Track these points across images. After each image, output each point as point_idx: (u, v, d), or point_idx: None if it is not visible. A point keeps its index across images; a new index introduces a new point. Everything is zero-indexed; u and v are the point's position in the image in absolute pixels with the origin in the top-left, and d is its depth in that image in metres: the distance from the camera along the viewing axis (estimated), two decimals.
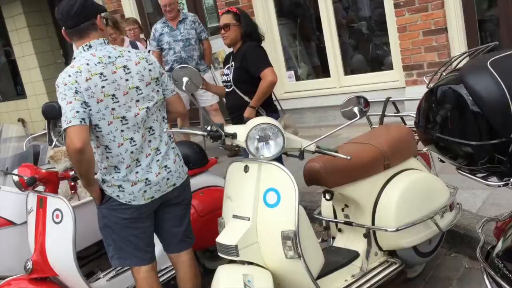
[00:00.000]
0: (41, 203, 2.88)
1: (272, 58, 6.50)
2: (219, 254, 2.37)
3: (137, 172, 2.53)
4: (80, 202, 3.42)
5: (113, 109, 2.45)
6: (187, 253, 2.79)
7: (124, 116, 2.48)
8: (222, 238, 2.33)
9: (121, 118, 2.47)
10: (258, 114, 3.60)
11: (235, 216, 2.38)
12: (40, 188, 2.96)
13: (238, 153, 5.86)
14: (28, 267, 2.80)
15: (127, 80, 2.49)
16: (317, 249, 2.39)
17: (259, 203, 2.32)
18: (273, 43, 6.65)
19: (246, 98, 3.60)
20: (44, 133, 5.20)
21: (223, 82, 3.86)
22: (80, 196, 3.70)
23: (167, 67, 5.61)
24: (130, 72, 2.51)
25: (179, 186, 2.68)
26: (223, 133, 2.39)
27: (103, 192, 2.59)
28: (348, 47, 6.77)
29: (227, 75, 3.77)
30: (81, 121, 2.32)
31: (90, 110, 2.39)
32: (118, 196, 2.55)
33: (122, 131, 2.48)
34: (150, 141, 2.57)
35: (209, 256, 3.64)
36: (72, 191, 3.70)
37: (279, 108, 3.95)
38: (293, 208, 2.24)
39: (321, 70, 6.84)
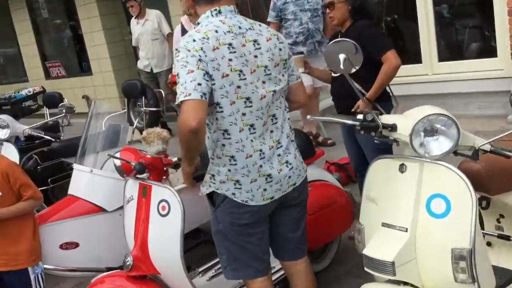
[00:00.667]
0: (144, 192, 2.56)
1: None
2: (366, 269, 1.97)
3: (260, 166, 2.16)
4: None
5: (239, 87, 2.08)
6: (303, 261, 2.42)
7: (249, 97, 2.11)
8: (373, 251, 1.93)
9: (245, 99, 2.10)
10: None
11: (385, 225, 1.98)
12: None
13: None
14: (128, 263, 2.49)
15: (255, 56, 2.13)
16: (490, 271, 1.96)
17: (420, 212, 1.91)
18: None
19: (356, 85, 3.17)
20: (123, 112, 4.96)
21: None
22: (171, 183, 3.40)
23: (289, 40, 5.01)
24: (260, 48, 2.15)
25: (299, 186, 2.29)
26: (380, 124, 1.98)
27: (215, 194, 2.23)
28: (442, 30, 6.18)
29: None
30: (202, 96, 1.96)
31: (213, 84, 2.04)
32: (233, 194, 2.18)
33: (243, 114, 2.11)
34: (272, 131, 2.20)
35: (310, 258, 3.28)
36: (164, 177, 3.40)
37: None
38: (469, 221, 1.81)
39: (411, 55, 6.29)
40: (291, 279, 2.45)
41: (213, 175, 2.22)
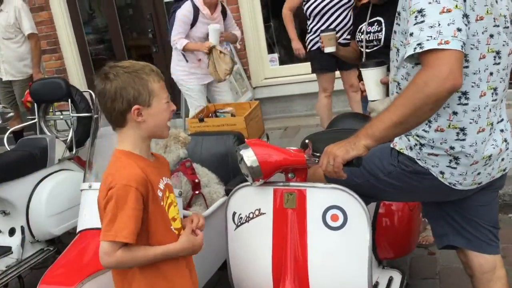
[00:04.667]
0: (290, 201, 1.81)
1: (251, 36, 5.74)
2: None
3: (491, 144, 1.72)
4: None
5: (492, 36, 1.62)
6: (502, 266, 1.94)
7: (499, 51, 1.65)
8: None
9: (495, 53, 1.64)
10: None
11: None
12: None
13: None
14: None
15: (496, 1, 1.67)
16: None
17: None
18: (254, 18, 5.82)
19: None
20: (32, 122, 3.67)
21: (360, 41, 3.07)
22: (206, 199, 2.58)
23: None
24: None
25: (505, 174, 1.88)
26: None
27: (406, 157, 1.75)
28: None
29: (372, 33, 2.99)
30: (462, 46, 1.48)
31: (468, 28, 1.55)
32: (442, 173, 1.71)
33: (491, 74, 1.65)
34: (502, 100, 1.77)
35: None
36: (196, 192, 2.56)
37: None
38: None
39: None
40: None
41: (422, 144, 1.71)
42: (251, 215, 1.86)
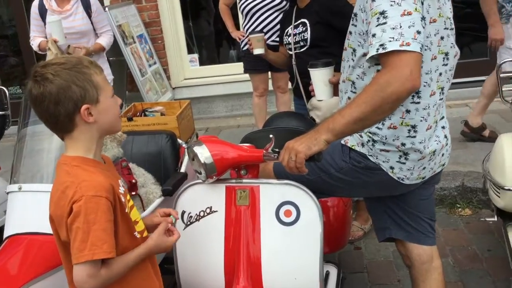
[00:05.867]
0: (242, 198, 1.78)
1: (170, 35, 5.65)
2: None
3: (434, 140, 1.82)
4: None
5: (442, 38, 1.70)
6: (438, 257, 2.04)
7: (447, 53, 1.74)
8: None
9: (444, 54, 1.74)
10: None
11: None
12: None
13: None
14: None
15: (444, 3, 1.75)
16: None
17: None
18: (173, 17, 5.75)
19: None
20: None
21: (287, 44, 3.12)
22: (143, 200, 2.48)
23: None
24: None
25: (443, 169, 1.98)
26: None
27: (357, 154, 1.82)
28: None
29: (298, 34, 3.06)
30: (421, 48, 1.53)
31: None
32: (392, 168, 1.80)
33: (440, 74, 1.74)
34: (443, 99, 1.87)
35: None
36: (133, 193, 2.45)
37: None
38: None
39: (228, 54, 6.28)
40: (417, 279, 2.04)
41: (374, 141, 1.77)
42: (202, 214, 1.81)
